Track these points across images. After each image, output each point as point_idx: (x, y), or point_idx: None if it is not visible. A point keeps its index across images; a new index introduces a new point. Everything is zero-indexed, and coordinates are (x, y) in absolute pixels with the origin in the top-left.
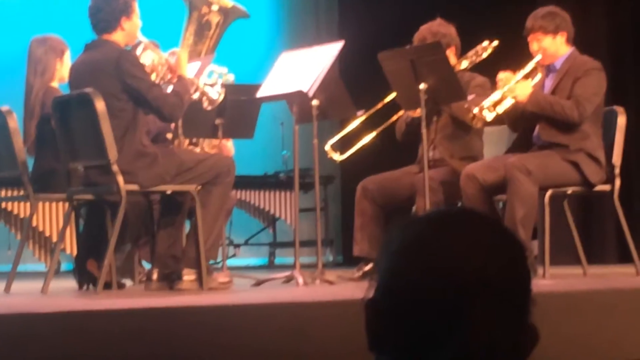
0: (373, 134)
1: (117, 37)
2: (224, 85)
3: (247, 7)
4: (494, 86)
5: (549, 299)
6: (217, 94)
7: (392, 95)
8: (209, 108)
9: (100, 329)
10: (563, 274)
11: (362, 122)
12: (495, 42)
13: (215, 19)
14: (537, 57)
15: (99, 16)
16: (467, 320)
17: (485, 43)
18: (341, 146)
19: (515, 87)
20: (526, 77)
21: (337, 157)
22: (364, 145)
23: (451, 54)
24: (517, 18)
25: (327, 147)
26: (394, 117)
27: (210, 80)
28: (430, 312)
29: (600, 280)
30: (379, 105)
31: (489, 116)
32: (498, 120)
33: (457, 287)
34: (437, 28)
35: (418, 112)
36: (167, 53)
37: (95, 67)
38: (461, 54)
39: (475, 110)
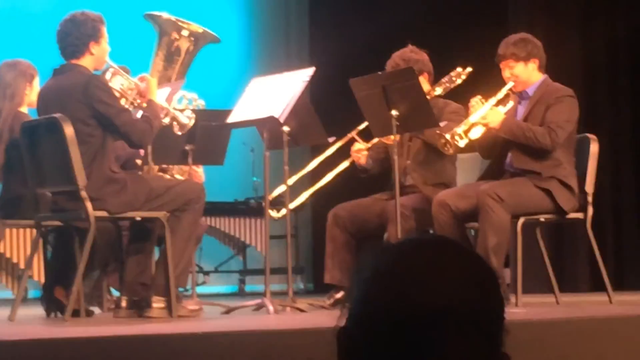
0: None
1: (86, 62)
2: (194, 110)
3: (217, 32)
4: (468, 113)
5: (521, 327)
6: (187, 118)
7: (364, 124)
8: (180, 133)
9: (69, 357)
10: (535, 302)
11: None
12: (469, 69)
13: (185, 44)
14: (509, 84)
15: (67, 41)
16: (440, 349)
17: (459, 69)
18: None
19: (487, 114)
20: (498, 103)
21: (276, 215)
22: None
23: (424, 81)
24: (490, 44)
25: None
26: (341, 167)
27: (180, 106)
28: (402, 341)
29: (573, 308)
30: (353, 133)
31: (461, 143)
32: (470, 147)
33: (429, 316)
34: (409, 55)
35: (390, 139)
36: (137, 78)
37: (64, 92)
38: (434, 80)
39: (447, 136)
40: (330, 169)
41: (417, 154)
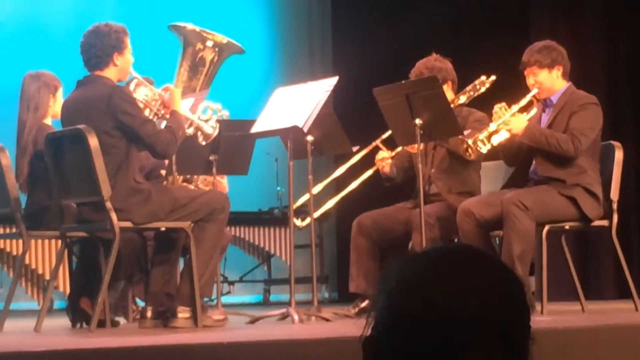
0: (341, 195)
1: (109, 73)
2: (218, 120)
3: (241, 42)
4: (492, 120)
5: (547, 335)
6: (211, 128)
7: (388, 132)
8: (204, 143)
9: None
10: (561, 310)
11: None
12: (493, 77)
13: (209, 54)
14: (533, 91)
15: (91, 52)
16: (466, 358)
17: (483, 77)
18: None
19: (510, 120)
20: (522, 110)
21: (300, 223)
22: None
23: (448, 89)
24: (513, 53)
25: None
26: (368, 173)
27: (205, 117)
28: (428, 350)
29: (599, 316)
30: (378, 142)
31: (484, 149)
32: (494, 155)
33: (455, 325)
34: (433, 63)
35: (414, 148)
36: (161, 89)
37: (87, 103)
38: (458, 88)
39: (470, 141)
40: (355, 178)
41: (441, 163)
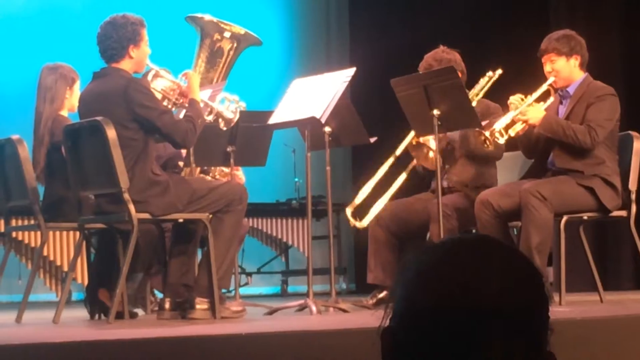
0: (392, 190)
1: (125, 65)
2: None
3: (258, 34)
4: (506, 112)
5: (565, 326)
6: (232, 113)
7: (411, 135)
8: (225, 128)
9: (113, 359)
10: (579, 301)
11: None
12: (499, 71)
13: (227, 45)
14: (550, 79)
15: (106, 44)
16: (485, 348)
17: (490, 73)
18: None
19: (527, 110)
20: (539, 100)
21: (359, 224)
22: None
23: None
24: (530, 45)
25: (348, 214)
26: (408, 169)
27: (222, 107)
28: (447, 341)
29: (617, 306)
30: (402, 147)
31: (501, 139)
32: (512, 146)
33: (474, 315)
34: (442, 55)
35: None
36: (180, 75)
37: (104, 96)
38: (467, 79)
39: (487, 133)
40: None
41: (456, 159)
